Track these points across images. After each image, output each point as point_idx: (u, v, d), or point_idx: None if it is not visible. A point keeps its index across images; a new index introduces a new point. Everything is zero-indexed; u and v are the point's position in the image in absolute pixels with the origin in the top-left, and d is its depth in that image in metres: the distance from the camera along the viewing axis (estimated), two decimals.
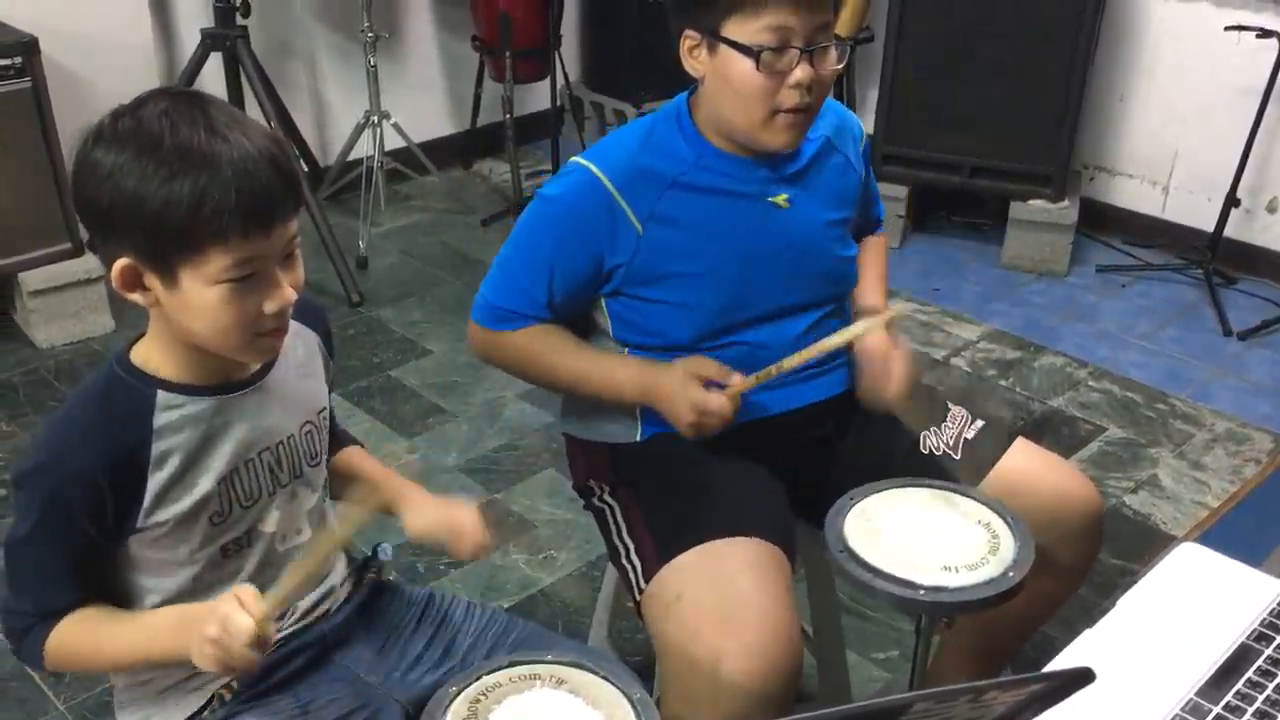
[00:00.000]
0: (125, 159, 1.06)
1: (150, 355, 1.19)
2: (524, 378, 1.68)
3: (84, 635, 1.20)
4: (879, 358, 1.58)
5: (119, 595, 1.23)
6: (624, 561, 1.53)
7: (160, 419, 1.17)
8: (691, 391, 1.48)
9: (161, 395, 1.17)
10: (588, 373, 1.58)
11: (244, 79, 3.38)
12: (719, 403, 1.47)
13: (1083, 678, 0.77)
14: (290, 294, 1.13)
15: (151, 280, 1.12)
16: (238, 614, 1.10)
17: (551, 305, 1.56)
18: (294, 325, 1.29)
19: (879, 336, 1.60)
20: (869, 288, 1.73)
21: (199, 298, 1.10)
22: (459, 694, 1.13)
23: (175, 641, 1.16)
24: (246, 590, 1.13)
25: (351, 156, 3.86)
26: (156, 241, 1.08)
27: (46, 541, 1.15)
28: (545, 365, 1.60)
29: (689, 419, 1.48)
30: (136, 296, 1.14)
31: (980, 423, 1.67)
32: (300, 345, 1.31)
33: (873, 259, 1.77)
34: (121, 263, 1.11)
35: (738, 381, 1.49)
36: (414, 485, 1.38)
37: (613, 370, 1.58)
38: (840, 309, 1.69)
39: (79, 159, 1.10)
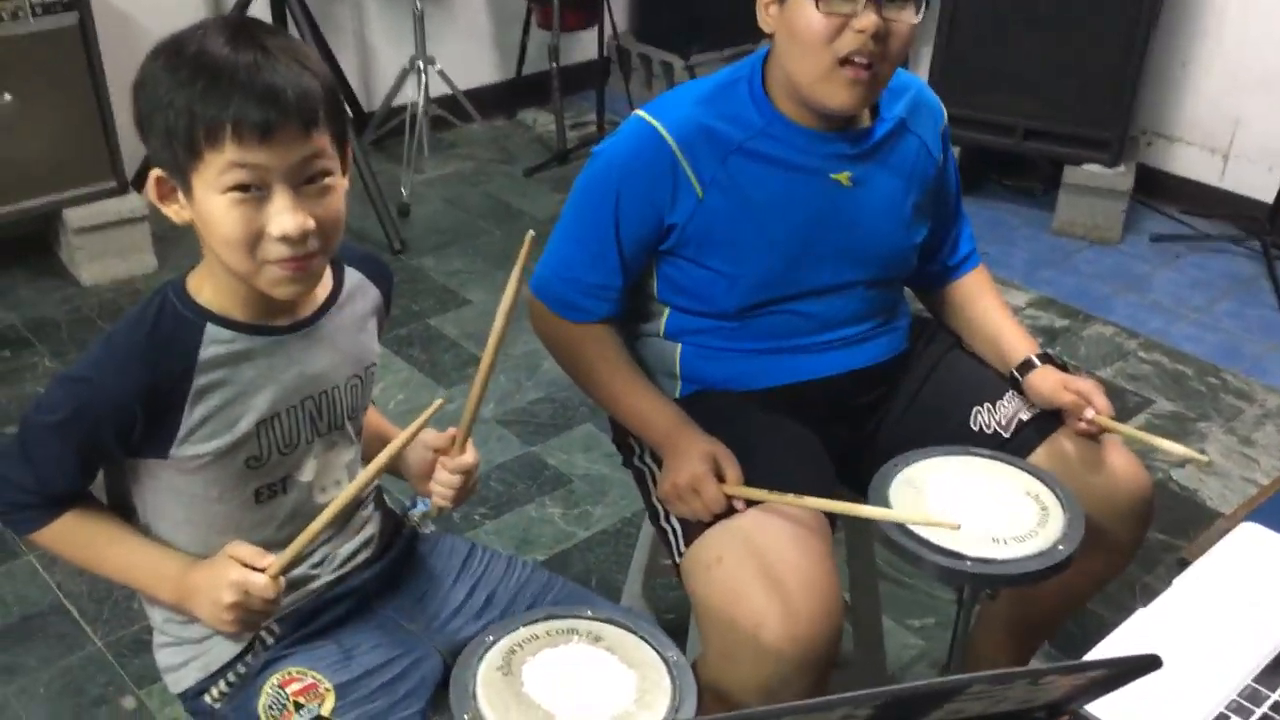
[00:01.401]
0: (155, 69, 1.09)
1: (204, 286, 1.18)
2: (567, 370, 1.63)
3: (85, 541, 1.22)
4: (1062, 396, 1.52)
5: (135, 513, 1.24)
6: (663, 523, 1.51)
7: (206, 352, 1.15)
8: (701, 467, 1.41)
9: (210, 328, 1.16)
10: (628, 394, 1.54)
11: (290, 20, 3.36)
12: (711, 491, 1.40)
13: (1148, 665, 0.74)
14: (302, 221, 1.09)
15: (179, 193, 1.12)
16: (251, 575, 1.12)
17: (624, 268, 1.52)
18: (357, 278, 1.29)
19: (1050, 381, 1.53)
20: (1012, 337, 1.62)
21: (206, 205, 1.09)
22: (495, 643, 1.13)
23: (176, 597, 1.19)
24: (243, 548, 1.14)
25: (396, 102, 3.83)
26: (169, 148, 1.08)
27: (65, 439, 1.15)
28: (591, 367, 1.57)
29: (681, 481, 1.42)
30: (171, 211, 1.14)
31: (1038, 408, 1.59)
32: (360, 299, 1.29)
33: (993, 299, 1.69)
34: (155, 173, 1.13)
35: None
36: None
37: (652, 405, 1.52)
38: (895, 285, 1.64)
39: (137, 74, 1.12)
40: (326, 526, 1.13)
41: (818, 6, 1.37)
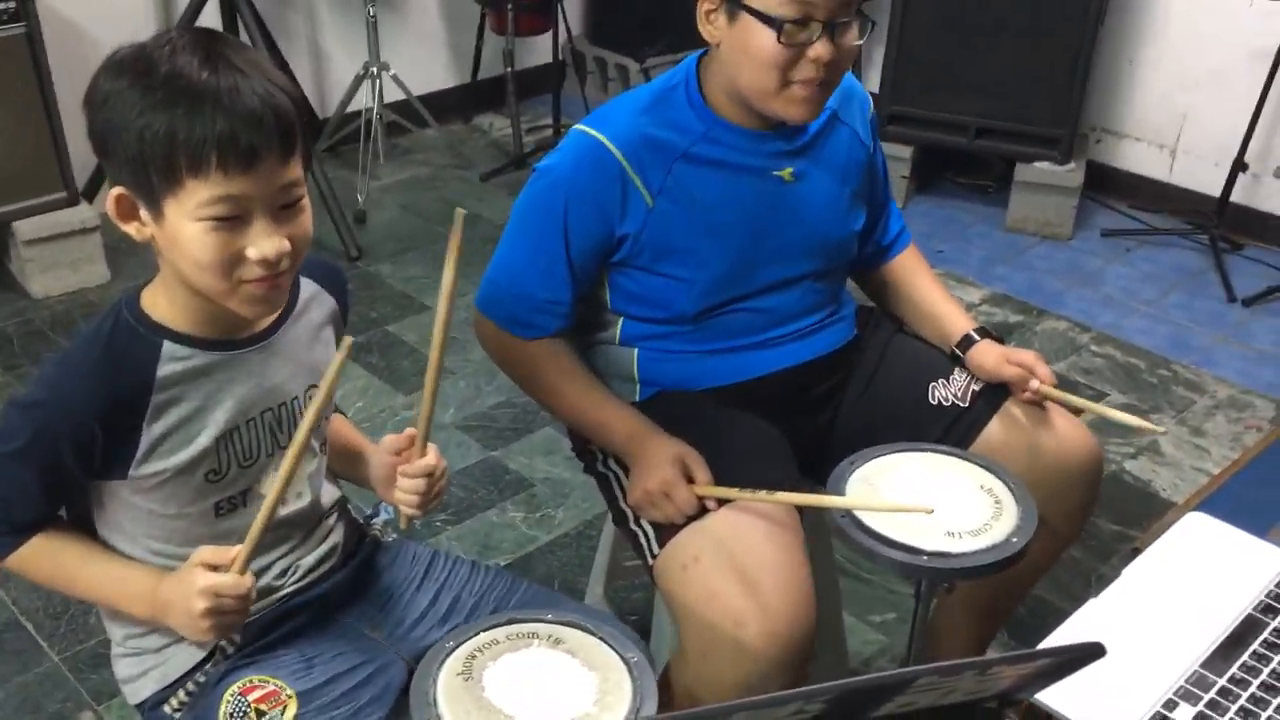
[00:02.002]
0: (120, 85, 1.06)
1: (158, 301, 1.17)
2: (524, 388, 1.63)
3: (54, 563, 1.20)
4: (1005, 369, 1.56)
5: (108, 537, 1.23)
6: (633, 526, 1.51)
7: (164, 369, 1.15)
8: (670, 472, 1.42)
9: (168, 345, 1.15)
10: (589, 404, 1.55)
11: (241, 27, 3.33)
12: (682, 494, 1.41)
13: (1092, 653, 0.75)
14: (280, 244, 1.09)
15: (143, 211, 1.10)
16: (218, 576, 1.10)
17: (574, 280, 1.52)
18: (313, 288, 1.28)
19: (991, 355, 1.58)
20: (949, 314, 1.67)
21: (181, 231, 1.08)
22: (456, 648, 1.13)
23: (150, 613, 1.17)
24: (205, 551, 1.12)
25: (350, 108, 3.81)
26: (140, 170, 1.07)
27: (27, 465, 1.14)
28: (549, 381, 1.57)
29: (651, 486, 1.42)
30: (132, 229, 1.12)
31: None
32: (316, 309, 1.29)
33: (926, 276, 1.74)
34: (116, 191, 1.10)
35: (704, 489, 1.42)
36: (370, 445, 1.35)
37: (615, 413, 1.53)
38: (840, 274, 1.67)
39: (89, 85, 1.10)
40: (276, 504, 1.10)
41: (779, 38, 1.38)
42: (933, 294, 1.72)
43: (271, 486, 1.23)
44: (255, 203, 1.08)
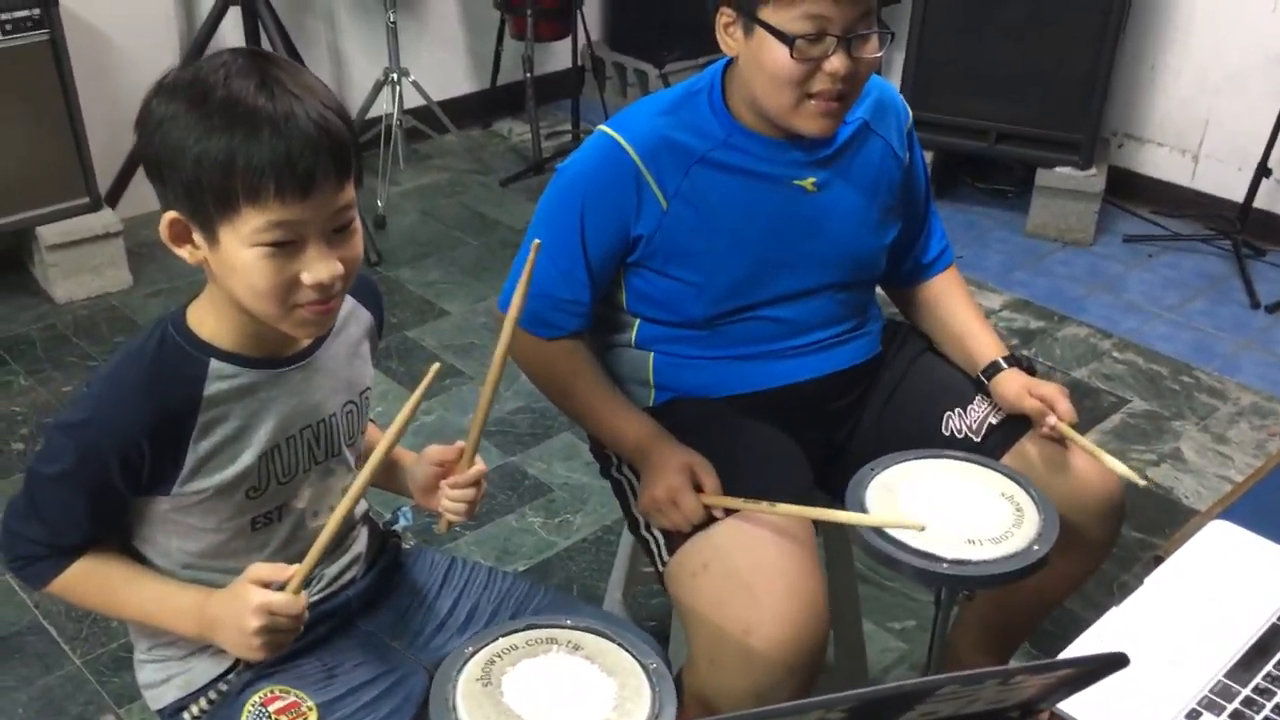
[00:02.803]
0: (175, 109, 1.05)
1: (205, 320, 1.16)
2: (540, 387, 1.63)
3: (99, 584, 1.20)
4: (1026, 401, 1.52)
5: (130, 545, 1.23)
6: (644, 532, 1.51)
7: (211, 388, 1.14)
8: (678, 480, 1.42)
9: (214, 364, 1.14)
10: (601, 407, 1.55)
11: (263, 34, 3.35)
12: (689, 503, 1.41)
13: (1115, 663, 0.75)
14: (334, 268, 1.09)
15: (197, 235, 1.10)
16: (274, 596, 1.10)
17: (592, 282, 1.53)
18: (350, 303, 1.28)
19: (1014, 385, 1.54)
20: (980, 339, 1.63)
21: (237, 257, 1.07)
22: (474, 654, 1.13)
23: (197, 631, 1.17)
24: (262, 569, 1.12)
25: (370, 114, 3.82)
26: (196, 196, 1.06)
27: (73, 487, 1.14)
28: (564, 382, 1.57)
29: (658, 494, 1.43)
30: (185, 252, 1.11)
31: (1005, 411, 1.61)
32: (354, 325, 1.29)
33: (963, 300, 1.69)
34: (169, 215, 1.10)
35: (712, 498, 1.43)
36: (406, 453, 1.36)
37: (627, 419, 1.53)
38: (865, 289, 1.65)
39: (142, 107, 1.09)
40: (338, 528, 1.12)
41: (791, 54, 1.38)
42: (965, 316, 1.68)
43: (305, 501, 1.24)
44: (310, 228, 1.07)
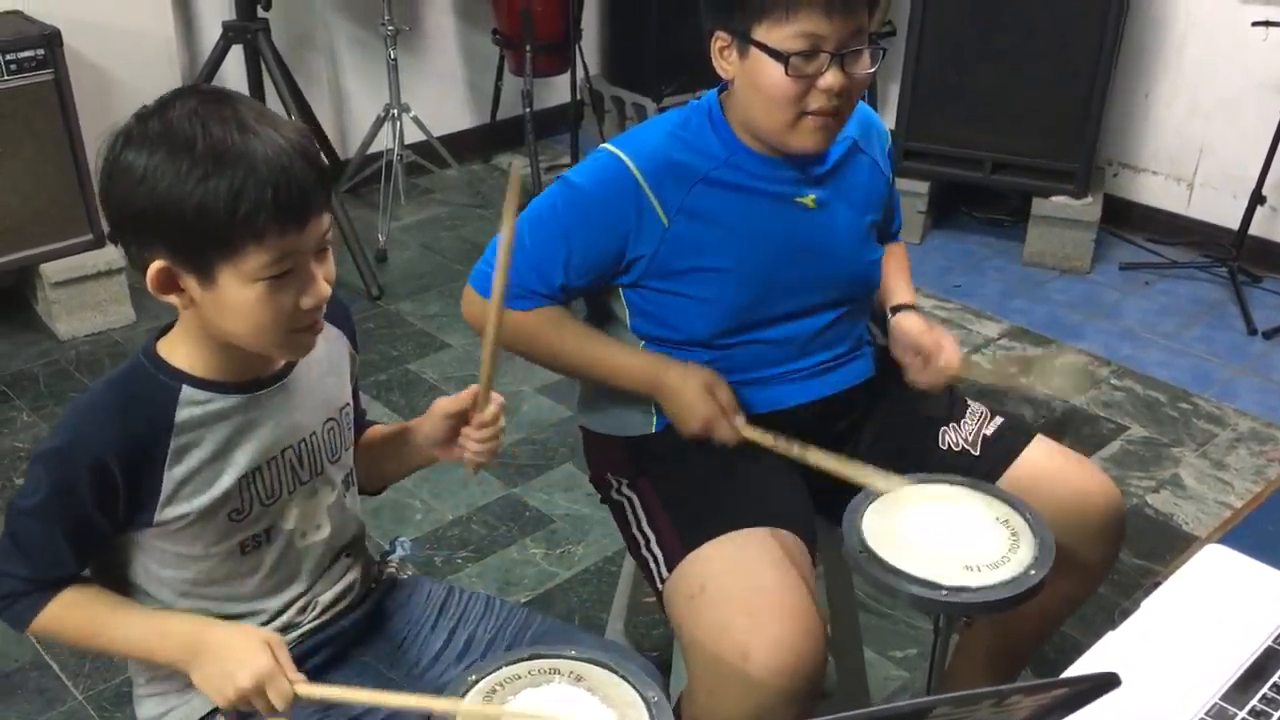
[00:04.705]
0: (158, 160, 1.05)
1: (177, 349, 1.18)
2: (526, 357, 1.63)
3: (85, 616, 1.20)
4: (924, 336, 1.59)
5: (128, 580, 1.23)
6: (644, 552, 1.52)
7: (182, 414, 1.16)
8: (707, 407, 1.49)
9: (186, 390, 1.16)
10: (595, 358, 1.58)
11: (265, 72, 3.39)
12: (727, 433, 1.50)
13: (1108, 683, 0.76)
14: (325, 288, 1.13)
15: (187, 281, 1.11)
16: (280, 678, 1.12)
17: (565, 288, 1.54)
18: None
19: (914, 321, 1.62)
20: (899, 287, 1.72)
21: (237, 296, 1.09)
22: (476, 683, 1.13)
23: (184, 656, 1.18)
24: (283, 651, 1.15)
25: (371, 150, 3.86)
26: (194, 243, 1.07)
27: (50, 520, 1.15)
28: (553, 347, 1.58)
29: (695, 428, 1.50)
30: (172, 299, 1.13)
31: (999, 420, 1.66)
32: (324, 342, 1.30)
33: (899, 261, 1.77)
34: (157, 265, 1.10)
35: (749, 429, 1.51)
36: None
37: (624, 358, 1.57)
38: (860, 309, 1.67)
39: (108, 162, 1.08)
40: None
41: (786, 71, 1.40)
42: (894, 269, 1.74)
43: (293, 522, 1.25)
44: (305, 255, 1.11)
